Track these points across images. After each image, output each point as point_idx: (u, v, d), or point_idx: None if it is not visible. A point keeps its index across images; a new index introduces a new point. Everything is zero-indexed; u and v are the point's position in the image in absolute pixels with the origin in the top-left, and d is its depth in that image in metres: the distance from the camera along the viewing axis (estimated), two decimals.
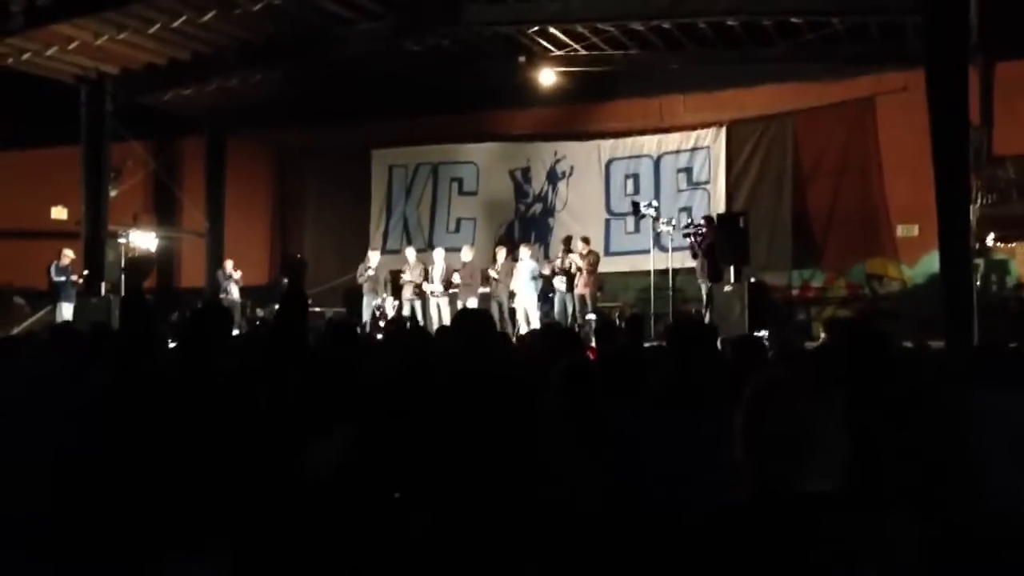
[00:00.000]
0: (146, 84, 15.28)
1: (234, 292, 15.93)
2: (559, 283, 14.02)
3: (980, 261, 12.73)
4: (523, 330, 12.87)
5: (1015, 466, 3.28)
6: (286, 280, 16.00)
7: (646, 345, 8.13)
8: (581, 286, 13.76)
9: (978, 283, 11.62)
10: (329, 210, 18.43)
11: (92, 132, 15.16)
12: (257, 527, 3.25)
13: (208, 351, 3.60)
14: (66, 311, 14.28)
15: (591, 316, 13.21)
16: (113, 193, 15.93)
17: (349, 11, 13.61)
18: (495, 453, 3.39)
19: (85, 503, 3.21)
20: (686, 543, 1.92)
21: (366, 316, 14.68)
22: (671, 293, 13.11)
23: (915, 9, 11.02)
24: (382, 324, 13.77)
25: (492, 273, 14.33)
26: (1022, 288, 13.70)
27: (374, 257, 15.22)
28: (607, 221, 16.41)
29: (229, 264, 16.25)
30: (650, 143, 16.33)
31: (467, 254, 14.64)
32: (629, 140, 16.46)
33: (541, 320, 13.52)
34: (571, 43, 14.67)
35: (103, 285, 14.84)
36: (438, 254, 14.90)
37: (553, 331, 6.39)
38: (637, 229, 15.39)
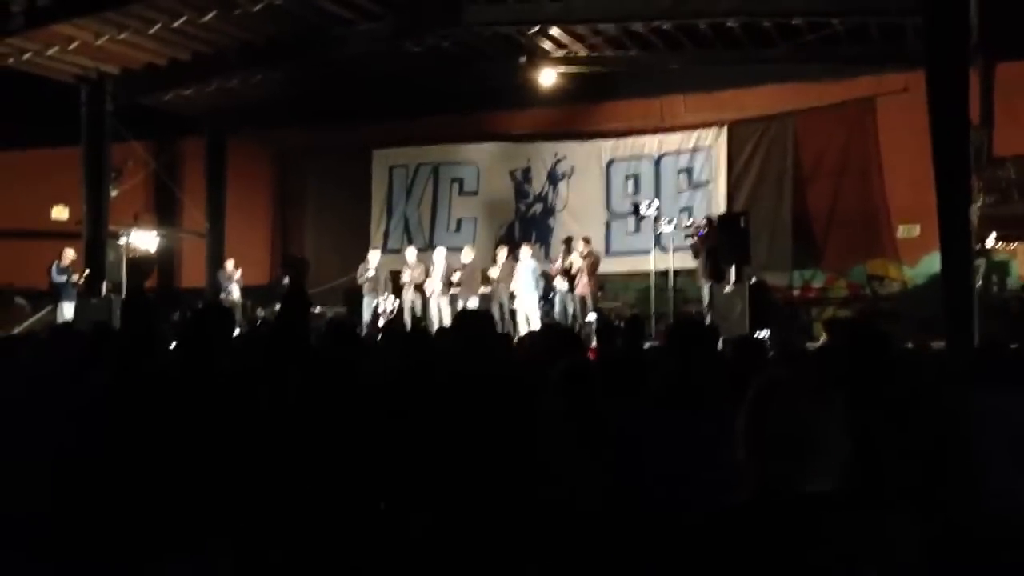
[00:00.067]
0: (146, 84, 15.28)
1: (235, 292, 15.93)
2: (560, 283, 14.03)
3: (981, 262, 12.72)
4: (523, 330, 12.87)
5: (1015, 467, 3.28)
6: (287, 280, 16.02)
7: (646, 346, 8.14)
8: (582, 286, 13.76)
9: (979, 284, 11.61)
10: (330, 210, 18.43)
11: (92, 132, 15.16)
12: (259, 526, 3.25)
13: (209, 351, 3.60)
14: (67, 311, 14.28)
15: (592, 316, 13.22)
16: (114, 193, 15.93)
17: (349, 11, 13.61)
18: (495, 453, 3.39)
19: (85, 503, 3.21)
20: (687, 543, 1.92)
21: (366, 316, 14.68)
22: (672, 294, 13.11)
23: (915, 10, 11.01)
24: (382, 324, 13.77)
25: (492, 273, 14.33)
26: None
27: (374, 257, 15.22)
28: (607, 221, 16.41)
29: (230, 264, 16.26)
30: (651, 143, 16.32)
31: (468, 254, 14.64)
32: (630, 140, 16.46)
33: (541, 320, 13.52)
34: (571, 43, 14.66)
35: (104, 285, 14.85)
36: (439, 254, 14.90)
37: (553, 331, 6.38)
38: (638, 229, 15.39)
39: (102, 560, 3.08)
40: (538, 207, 17.11)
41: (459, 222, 17.54)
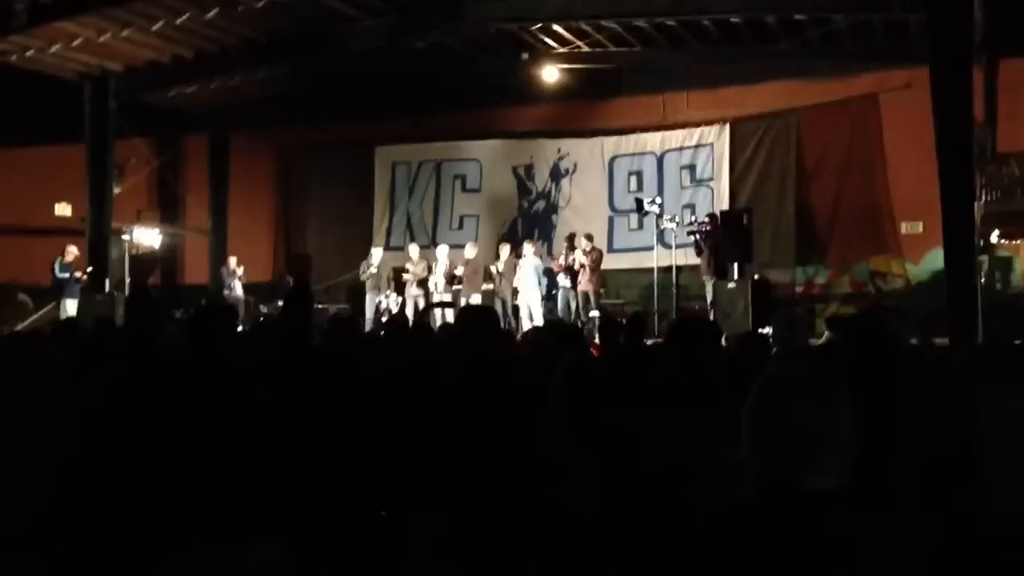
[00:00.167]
0: (150, 81, 15.30)
1: (238, 289, 15.95)
2: (562, 280, 14.03)
3: (984, 258, 12.71)
4: (526, 327, 12.87)
5: (1019, 464, 3.27)
6: (291, 277, 16.03)
7: (649, 343, 8.12)
8: (584, 283, 13.76)
9: (982, 280, 11.60)
10: (332, 207, 18.43)
11: (96, 129, 15.19)
12: (261, 522, 3.25)
13: (214, 348, 3.60)
14: (70, 308, 14.30)
15: (594, 313, 13.22)
16: (117, 190, 15.97)
17: (352, 8, 13.60)
18: (496, 451, 3.38)
19: (93, 499, 3.22)
20: (691, 541, 1.91)
21: (369, 313, 14.69)
22: (674, 290, 13.10)
23: (919, 7, 11.00)
24: (385, 320, 13.78)
25: (496, 269, 14.34)
26: None
27: (377, 254, 15.24)
28: (610, 218, 16.40)
29: (233, 261, 16.28)
30: (653, 140, 16.31)
31: (470, 251, 14.64)
32: (632, 137, 16.45)
33: (544, 317, 13.52)
34: (574, 40, 14.66)
35: (107, 282, 14.88)
36: (441, 251, 14.91)
37: (556, 328, 6.38)
38: (640, 226, 15.36)
39: (118, 555, 3.09)
40: (541, 204, 17.10)
41: (462, 219, 17.54)
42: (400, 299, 14.78)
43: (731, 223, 12.72)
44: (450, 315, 13.80)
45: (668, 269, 13.22)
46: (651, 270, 13.66)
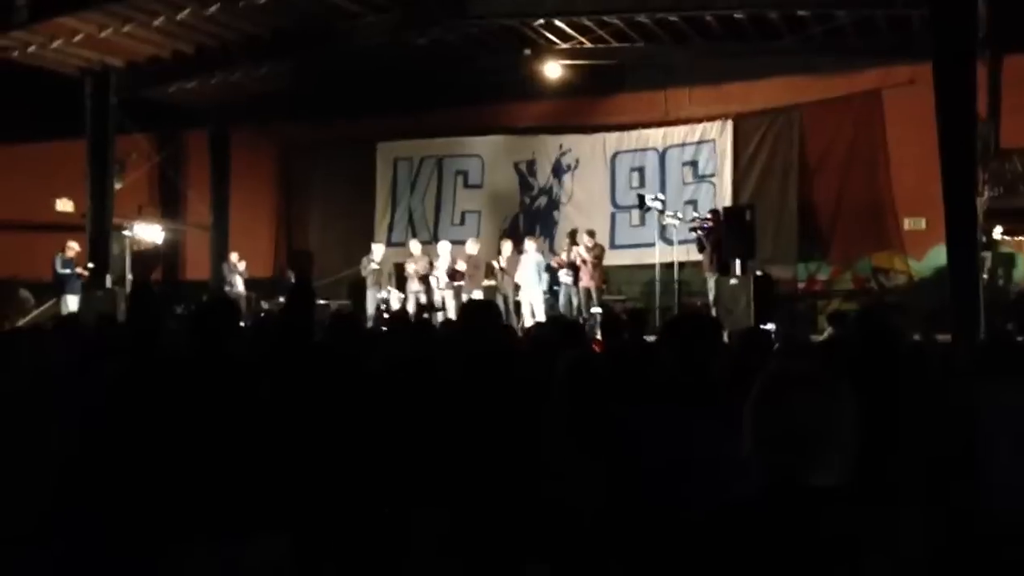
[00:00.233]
0: (151, 77, 15.30)
1: (239, 285, 15.96)
2: (564, 276, 14.02)
3: (987, 254, 12.68)
4: (528, 323, 12.87)
5: (1020, 461, 3.26)
6: (292, 273, 16.04)
7: (650, 339, 8.11)
8: (586, 279, 13.76)
9: (985, 277, 11.58)
10: (334, 203, 18.42)
11: (97, 125, 15.19)
12: (263, 518, 3.25)
13: (216, 343, 3.60)
14: (71, 303, 14.31)
15: (596, 309, 13.21)
16: (118, 186, 15.98)
17: (354, 4, 13.58)
18: (497, 448, 3.38)
19: (89, 495, 3.22)
20: (693, 538, 1.91)
21: (370, 309, 14.69)
22: (676, 287, 13.08)
23: (922, 2, 10.98)
24: (386, 316, 13.79)
25: (497, 265, 14.34)
26: None
27: (378, 250, 15.23)
28: (612, 214, 16.38)
29: (234, 257, 16.28)
30: (656, 136, 16.29)
31: (472, 247, 14.63)
32: (635, 133, 16.42)
33: (546, 313, 13.51)
34: (576, 36, 14.62)
35: (108, 277, 14.88)
36: (443, 247, 14.90)
37: (558, 324, 6.37)
38: (642, 222, 15.35)
39: (119, 551, 3.09)
40: (543, 200, 17.09)
41: (463, 215, 17.52)
42: (401, 295, 14.78)
43: (733, 219, 12.71)
44: (452, 311, 13.80)
45: (670, 265, 13.20)
46: (653, 266, 13.64)
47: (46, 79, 15.15)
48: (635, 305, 13.17)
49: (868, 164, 14.78)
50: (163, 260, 18.86)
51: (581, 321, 11.92)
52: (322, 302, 13.70)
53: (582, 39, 14.70)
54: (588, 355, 3.94)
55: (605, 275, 14.20)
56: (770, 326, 10.74)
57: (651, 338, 7.28)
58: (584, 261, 13.74)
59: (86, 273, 14.71)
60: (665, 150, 16.18)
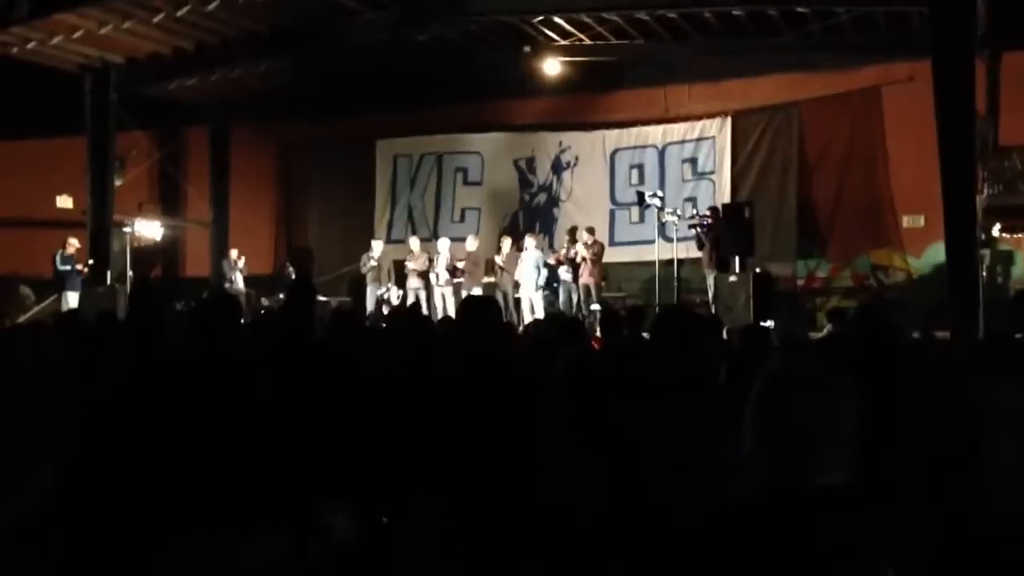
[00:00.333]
0: (151, 74, 15.28)
1: (239, 281, 15.96)
2: (564, 273, 14.03)
3: (986, 252, 12.69)
4: (528, 320, 12.88)
5: (1019, 460, 3.27)
6: (292, 269, 16.04)
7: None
8: (586, 276, 13.77)
9: (983, 274, 11.58)
10: (333, 200, 18.42)
11: (97, 121, 15.18)
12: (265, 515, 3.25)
13: (216, 340, 3.60)
14: (71, 300, 14.31)
15: (595, 306, 13.22)
16: (118, 183, 15.96)
17: (354, 1, 13.57)
18: (495, 446, 3.38)
19: (89, 493, 3.22)
20: (694, 537, 1.90)
21: (370, 306, 14.70)
22: (676, 284, 13.09)
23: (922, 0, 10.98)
24: (386, 313, 13.79)
25: (497, 262, 14.34)
26: None
27: (377, 247, 15.24)
28: (612, 211, 16.39)
29: (234, 253, 16.29)
30: (655, 133, 16.29)
31: (472, 244, 14.64)
32: (634, 130, 16.43)
33: (546, 310, 13.52)
34: (576, 33, 14.61)
35: (108, 274, 14.88)
36: (443, 244, 14.90)
37: (557, 321, 6.38)
38: (642, 219, 15.36)
39: (119, 549, 3.09)
40: (542, 197, 17.09)
41: (463, 212, 17.53)
42: (401, 292, 14.79)
43: (732, 216, 12.72)
44: (451, 308, 13.80)
45: (669, 262, 13.20)
46: (652, 263, 13.64)
47: (46, 75, 15.14)
48: (635, 302, 13.19)
49: (867, 161, 14.79)
50: (163, 257, 18.86)
51: (580, 318, 11.92)
52: (322, 299, 13.72)
53: (581, 36, 14.69)
54: (587, 352, 3.94)
55: (604, 272, 14.21)
56: (769, 323, 10.75)
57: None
58: (584, 258, 13.75)
59: (86, 270, 14.71)
60: (664, 147, 16.19)
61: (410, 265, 14.88)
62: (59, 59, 14.77)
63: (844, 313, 10.12)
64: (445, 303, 14.37)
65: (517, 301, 14.10)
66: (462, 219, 17.37)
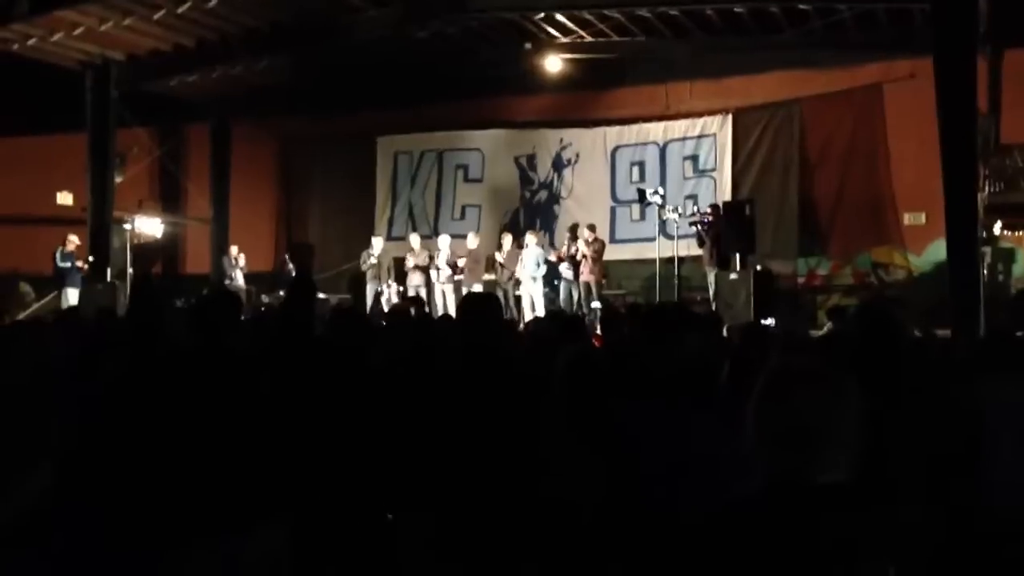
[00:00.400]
0: (151, 70, 15.27)
1: (239, 278, 15.96)
2: (565, 270, 14.02)
3: (987, 250, 12.68)
4: (528, 317, 12.87)
5: (1020, 458, 3.26)
6: (292, 266, 16.04)
7: None
8: (586, 273, 13.76)
9: (984, 272, 11.57)
10: (334, 197, 18.42)
11: (97, 118, 15.17)
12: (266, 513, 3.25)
13: (217, 337, 3.60)
14: (71, 297, 14.30)
15: (596, 304, 13.21)
16: (118, 179, 15.96)
17: None
18: (495, 444, 3.37)
19: (89, 491, 3.22)
20: (695, 536, 1.90)
21: (370, 303, 14.69)
22: (676, 281, 13.08)
23: None
24: (386, 310, 13.79)
25: (498, 258, 14.34)
26: None
27: (377, 244, 15.24)
28: (613, 208, 16.38)
29: (234, 250, 16.29)
30: (656, 130, 16.28)
31: (472, 241, 14.63)
32: (635, 127, 16.42)
33: (546, 307, 13.52)
34: (577, 30, 14.60)
35: (108, 271, 14.88)
36: (443, 241, 14.89)
37: (557, 319, 6.38)
38: (643, 217, 15.37)
39: (119, 547, 3.09)
40: (543, 194, 17.08)
41: (464, 209, 17.52)
42: (400, 288, 14.79)
43: (733, 214, 12.71)
44: (451, 305, 13.80)
45: (670, 260, 13.20)
46: (653, 261, 13.64)
47: (47, 72, 15.13)
48: (635, 300, 13.18)
49: (868, 159, 14.77)
50: (163, 254, 18.86)
51: (581, 316, 11.91)
52: (322, 296, 13.72)
53: (583, 33, 14.67)
54: (588, 350, 3.94)
55: (605, 270, 14.21)
56: (770, 321, 10.75)
57: None
58: (584, 256, 13.74)
59: (86, 267, 14.71)
60: (665, 144, 16.18)
61: (410, 262, 14.87)
62: (60, 56, 14.76)
63: (844, 311, 10.09)
64: (445, 300, 14.37)
65: (517, 298, 14.09)
66: (463, 216, 17.37)
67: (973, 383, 3.67)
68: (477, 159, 17.55)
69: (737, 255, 12.42)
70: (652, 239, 13.60)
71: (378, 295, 14.73)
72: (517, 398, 3.53)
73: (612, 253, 14.86)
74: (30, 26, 13.72)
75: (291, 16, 14.07)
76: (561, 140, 16.91)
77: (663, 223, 13.56)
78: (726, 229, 12.57)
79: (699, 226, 13.23)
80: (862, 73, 14.58)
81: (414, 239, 15.44)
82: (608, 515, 2.91)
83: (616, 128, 16.53)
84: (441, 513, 3.37)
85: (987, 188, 12.58)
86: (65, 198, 17.14)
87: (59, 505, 3.21)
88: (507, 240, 14.62)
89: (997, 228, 13.57)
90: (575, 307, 13.58)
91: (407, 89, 16.16)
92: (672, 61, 15.32)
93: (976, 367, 4.07)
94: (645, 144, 16.34)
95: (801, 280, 15.09)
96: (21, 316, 13.60)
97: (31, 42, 14.06)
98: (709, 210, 13.42)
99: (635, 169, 16.34)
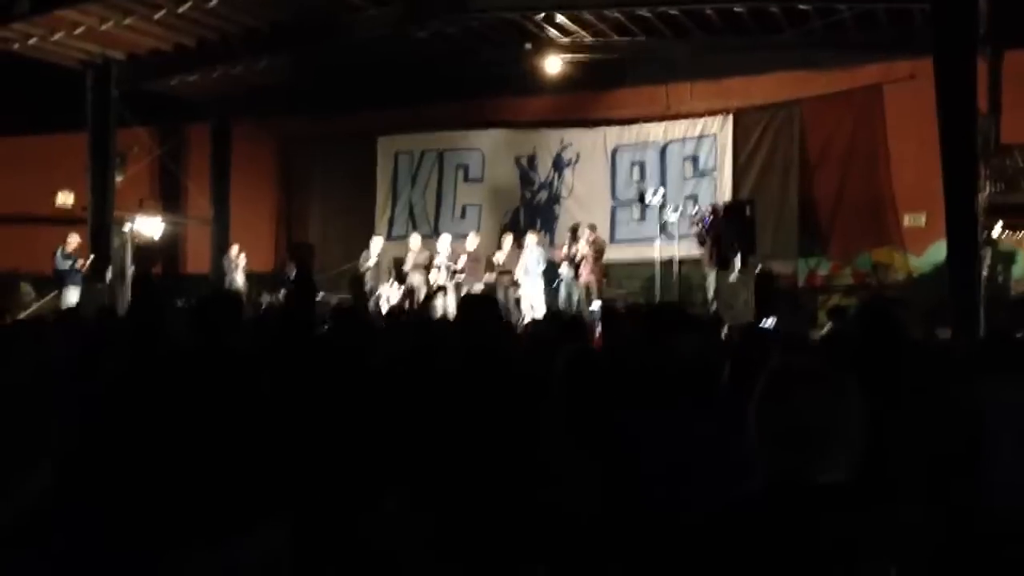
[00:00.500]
0: (152, 70, 15.28)
1: (239, 278, 15.95)
2: (565, 271, 14.02)
3: (987, 251, 12.67)
4: (528, 317, 12.87)
5: (1020, 459, 3.26)
6: (292, 266, 16.03)
7: None
8: (587, 274, 13.77)
9: (984, 273, 11.57)
10: (334, 197, 18.42)
11: (98, 118, 15.17)
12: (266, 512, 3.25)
13: (217, 336, 3.60)
14: (71, 297, 14.29)
15: (596, 304, 13.21)
16: (119, 179, 15.95)
17: None
18: (494, 446, 3.37)
19: (89, 491, 3.22)
20: (695, 537, 1.90)
21: (370, 303, 14.70)
22: (677, 281, 13.09)
23: None
24: (385, 310, 13.80)
25: (498, 258, 14.34)
26: None
27: (377, 244, 15.24)
28: (613, 209, 16.38)
29: (234, 250, 16.29)
30: (656, 131, 16.28)
31: (472, 241, 14.64)
32: (635, 128, 16.41)
33: (546, 308, 13.51)
34: (577, 30, 14.61)
35: (109, 271, 14.87)
36: (443, 241, 14.90)
37: (557, 319, 6.37)
38: (643, 217, 15.37)
39: (119, 548, 3.09)
40: (543, 194, 17.08)
41: (464, 209, 17.52)
42: (400, 288, 14.79)
43: (734, 214, 12.72)
44: (451, 306, 13.79)
45: (670, 261, 13.21)
46: (653, 261, 13.64)
47: (47, 72, 15.13)
48: (635, 300, 13.18)
49: (868, 159, 14.77)
50: (164, 254, 18.82)
51: (581, 316, 11.91)
52: (322, 295, 13.73)
53: (583, 33, 14.68)
54: (587, 350, 3.94)
55: (605, 270, 14.21)
56: (770, 321, 10.75)
57: None
58: (584, 256, 13.74)
59: (87, 267, 14.70)
60: (666, 145, 16.17)
61: (411, 262, 14.87)
62: (60, 55, 14.76)
63: (845, 311, 10.10)
64: (445, 300, 14.36)
65: (517, 299, 14.09)
66: (463, 216, 17.37)
67: (973, 383, 3.67)
68: (477, 159, 17.55)
69: (737, 256, 12.42)
70: (652, 240, 13.61)
71: (377, 295, 14.73)
72: (516, 400, 3.53)
73: (612, 253, 14.86)
74: (31, 25, 13.72)
75: (291, 16, 14.08)
76: (561, 140, 16.91)
77: (663, 224, 13.57)
78: (726, 230, 12.57)
79: (699, 227, 13.24)
80: (862, 74, 14.58)
81: (415, 239, 15.44)
82: (608, 515, 2.91)
83: (616, 128, 16.52)
84: (441, 513, 3.36)
85: (987, 189, 12.57)
86: (65, 198, 17.13)
87: (59, 505, 3.21)
88: (507, 240, 14.63)
89: (997, 229, 13.55)
90: (574, 307, 13.57)
91: (407, 89, 16.16)
92: (672, 61, 15.32)
93: (976, 368, 4.07)
94: (645, 144, 16.33)
95: (801, 281, 15.08)
96: (21, 316, 13.61)
97: (32, 41, 14.06)
98: (709, 210, 13.42)
99: (635, 169, 16.34)
